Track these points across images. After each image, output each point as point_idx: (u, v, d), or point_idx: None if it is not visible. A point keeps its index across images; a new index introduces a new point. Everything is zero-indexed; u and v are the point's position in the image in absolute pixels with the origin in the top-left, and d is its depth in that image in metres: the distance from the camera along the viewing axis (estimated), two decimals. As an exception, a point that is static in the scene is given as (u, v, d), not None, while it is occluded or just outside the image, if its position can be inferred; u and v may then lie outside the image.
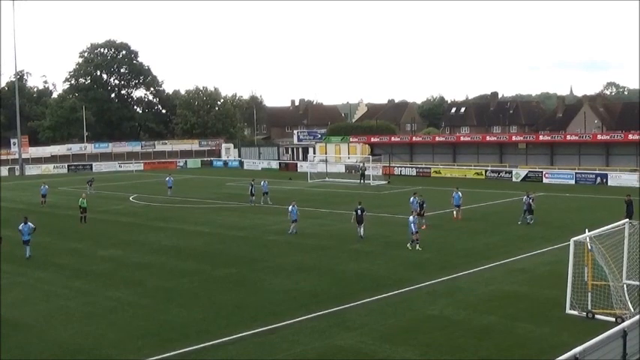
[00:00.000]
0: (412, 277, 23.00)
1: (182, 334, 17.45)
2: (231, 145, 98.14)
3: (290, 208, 32.89)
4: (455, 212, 36.86)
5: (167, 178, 53.80)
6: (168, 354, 15.89)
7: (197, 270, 25.08)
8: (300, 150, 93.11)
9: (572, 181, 56.05)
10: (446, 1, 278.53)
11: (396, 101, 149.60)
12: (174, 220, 39.00)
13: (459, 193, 37.11)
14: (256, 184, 46.02)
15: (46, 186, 49.26)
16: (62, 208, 46.51)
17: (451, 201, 37.42)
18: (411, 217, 28.73)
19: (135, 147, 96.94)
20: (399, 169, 69.43)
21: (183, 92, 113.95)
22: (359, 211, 30.85)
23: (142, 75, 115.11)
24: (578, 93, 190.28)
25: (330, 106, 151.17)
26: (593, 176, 56.46)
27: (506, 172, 62.25)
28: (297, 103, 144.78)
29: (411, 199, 35.48)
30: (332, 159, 76.16)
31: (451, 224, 34.79)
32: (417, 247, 27.94)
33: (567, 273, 18.29)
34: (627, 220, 20.16)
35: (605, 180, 55.57)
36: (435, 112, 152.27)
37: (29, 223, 28.29)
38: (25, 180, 74.35)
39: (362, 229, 30.82)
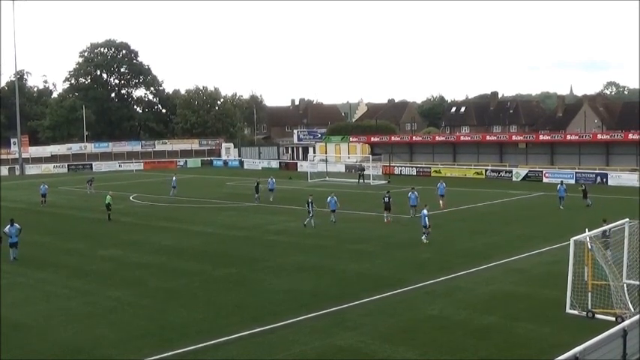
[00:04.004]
0: (412, 277, 22.99)
1: (182, 334, 17.44)
2: (231, 145, 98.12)
3: (329, 199, 36.01)
4: (441, 202, 40.40)
5: (172, 178, 53.91)
6: (168, 354, 15.89)
7: (197, 270, 25.06)
8: (300, 150, 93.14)
9: (572, 181, 55.98)
10: (446, 1, 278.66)
11: (396, 101, 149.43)
12: (174, 219, 39.00)
13: (444, 184, 42.15)
14: (261, 183, 46.13)
15: (46, 185, 49.30)
16: (62, 207, 46.56)
17: (436, 192, 41.65)
18: (424, 211, 29.60)
19: (135, 146, 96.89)
20: (399, 168, 69.45)
21: (183, 92, 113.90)
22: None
23: (141, 75, 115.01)
24: (578, 93, 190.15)
25: (330, 105, 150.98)
26: (593, 176, 56.45)
27: (506, 172, 62.21)
28: (297, 103, 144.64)
29: (409, 194, 36.87)
30: (332, 159, 76.07)
31: (451, 224, 34.77)
32: (424, 238, 29.02)
33: (567, 273, 18.28)
34: (627, 219, 20.13)
35: (605, 180, 55.57)
36: (435, 112, 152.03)
37: (16, 225, 27.65)
38: (25, 180, 74.32)
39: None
